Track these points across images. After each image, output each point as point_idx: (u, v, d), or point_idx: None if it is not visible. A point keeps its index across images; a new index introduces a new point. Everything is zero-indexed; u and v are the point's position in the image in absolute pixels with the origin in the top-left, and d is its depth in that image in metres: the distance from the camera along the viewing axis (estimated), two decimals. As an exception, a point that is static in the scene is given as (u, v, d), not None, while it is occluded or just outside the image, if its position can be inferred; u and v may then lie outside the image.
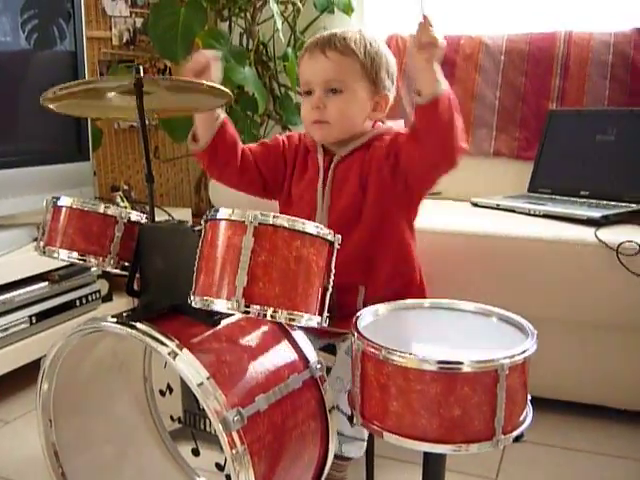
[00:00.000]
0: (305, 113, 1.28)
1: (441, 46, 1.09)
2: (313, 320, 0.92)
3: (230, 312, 0.92)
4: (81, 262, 1.16)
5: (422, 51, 1.09)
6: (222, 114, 1.33)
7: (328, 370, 1.17)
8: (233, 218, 0.90)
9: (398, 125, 1.32)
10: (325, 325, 0.94)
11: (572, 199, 1.86)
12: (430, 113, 1.13)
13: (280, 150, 1.38)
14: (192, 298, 0.92)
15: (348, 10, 2.46)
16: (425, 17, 1.08)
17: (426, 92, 1.13)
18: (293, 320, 0.90)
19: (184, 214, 2.45)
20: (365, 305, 1.23)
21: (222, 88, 1.14)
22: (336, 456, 1.21)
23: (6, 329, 1.74)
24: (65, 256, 1.15)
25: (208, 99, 1.25)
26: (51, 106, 1.19)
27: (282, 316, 0.89)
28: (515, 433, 0.87)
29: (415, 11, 1.09)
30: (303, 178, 1.32)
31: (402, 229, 1.30)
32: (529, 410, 0.91)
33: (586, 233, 1.51)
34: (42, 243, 1.17)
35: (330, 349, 1.30)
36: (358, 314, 0.99)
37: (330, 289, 0.94)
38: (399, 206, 1.28)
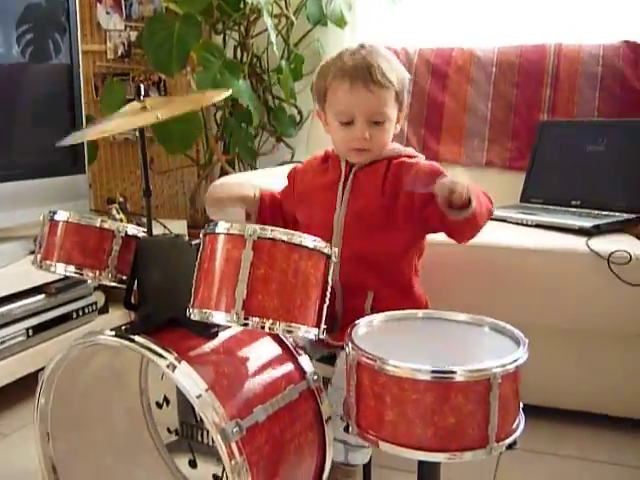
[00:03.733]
0: (344, 141, 1.30)
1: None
2: (311, 332, 0.94)
3: (229, 324, 0.93)
4: (78, 276, 1.17)
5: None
6: (256, 192, 1.43)
7: (327, 381, 1.18)
8: (232, 232, 0.92)
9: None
10: (322, 337, 0.95)
11: (564, 209, 1.87)
12: (465, 228, 1.23)
13: (292, 189, 1.45)
14: (191, 311, 0.93)
15: (341, 23, 2.49)
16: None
17: (459, 217, 1.16)
18: (291, 332, 0.92)
19: (179, 226, 2.46)
20: (372, 310, 1.25)
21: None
22: (343, 463, 1.22)
23: (3, 342, 1.75)
24: (62, 270, 1.16)
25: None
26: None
27: (280, 328, 0.91)
28: (508, 440, 0.88)
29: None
30: (322, 181, 1.36)
31: (410, 243, 1.34)
32: (521, 418, 0.93)
33: (578, 243, 1.53)
34: (39, 257, 1.18)
35: (328, 360, 1.31)
36: (352, 324, 1.00)
37: (327, 301, 0.95)
38: (412, 226, 1.31)
